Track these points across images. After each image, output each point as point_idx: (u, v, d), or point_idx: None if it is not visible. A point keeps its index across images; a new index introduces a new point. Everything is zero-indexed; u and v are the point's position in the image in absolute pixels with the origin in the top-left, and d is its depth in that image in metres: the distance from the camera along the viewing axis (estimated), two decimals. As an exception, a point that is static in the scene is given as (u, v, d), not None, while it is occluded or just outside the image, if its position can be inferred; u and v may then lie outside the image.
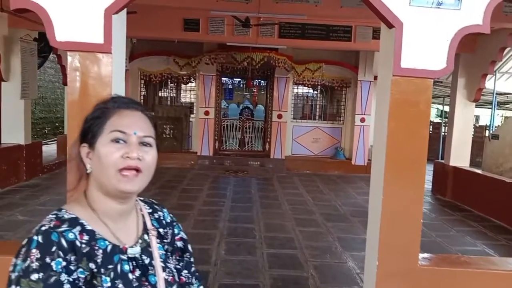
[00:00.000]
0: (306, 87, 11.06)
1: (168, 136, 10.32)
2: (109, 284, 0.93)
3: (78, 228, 0.95)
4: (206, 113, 10.25)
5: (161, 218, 1.16)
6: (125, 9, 2.46)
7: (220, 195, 7.53)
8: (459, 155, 7.77)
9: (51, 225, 0.92)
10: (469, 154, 7.87)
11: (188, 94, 11.23)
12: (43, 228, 0.91)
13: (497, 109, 11.87)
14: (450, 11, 2.35)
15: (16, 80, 7.26)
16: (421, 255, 2.63)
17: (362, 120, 10.40)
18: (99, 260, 0.94)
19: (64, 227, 0.93)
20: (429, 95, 2.43)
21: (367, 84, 10.31)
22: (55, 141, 11.18)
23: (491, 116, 11.07)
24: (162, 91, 11.30)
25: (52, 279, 0.86)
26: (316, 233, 5.53)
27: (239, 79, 11.46)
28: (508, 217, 6.31)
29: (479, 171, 7.79)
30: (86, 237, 0.95)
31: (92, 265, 0.93)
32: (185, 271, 1.14)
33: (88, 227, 0.96)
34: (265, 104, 11.02)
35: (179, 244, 1.16)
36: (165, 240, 1.12)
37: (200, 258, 4.29)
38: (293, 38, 8.02)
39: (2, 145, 7.38)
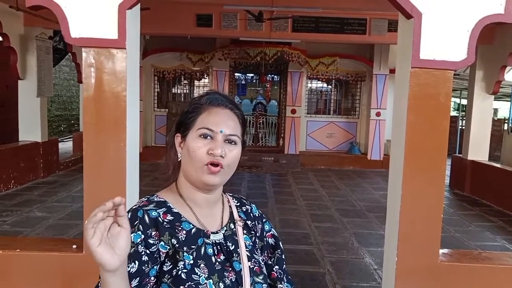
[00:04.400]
0: (320, 82, 10.96)
1: (182, 132, 10.31)
2: (191, 262, 0.99)
3: (164, 209, 1.03)
4: (220, 109, 10.22)
5: (249, 211, 1.20)
6: (139, 5, 2.45)
7: (235, 191, 7.35)
8: (478, 149, 7.61)
9: (140, 205, 1.03)
10: (488, 147, 7.71)
11: (202, 90, 11.23)
12: (133, 207, 1.02)
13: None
14: (471, 0, 2.28)
15: (32, 78, 7.33)
16: (441, 251, 2.57)
17: (378, 114, 10.27)
18: (181, 237, 1.00)
19: (151, 206, 1.02)
20: (449, 87, 2.36)
21: (382, 77, 10.18)
22: (71, 138, 11.31)
23: (510, 109, 10.84)
24: (176, 87, 11.32)
25: (132, 250, 0.92)
26: (332, 229, 5.48)
27: (252, 75, 11.41)
28: (529, 212, 6.17)
29: (498, 165, 7.64)
30: (170, 217, 1.02)
31: (174, 241, 0.99)
32: (277, 267, 1.17)
33: (175, 210, 1.04)
34: (279, 99, 10.96)
35: (270, 241, 1.20)
36: (252, 232, 1.15)
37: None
38: (307, 32, 7.94)
39: (20, 142, 7.48)
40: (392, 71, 10.04)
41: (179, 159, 1.08)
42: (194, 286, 0.96)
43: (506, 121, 12.02)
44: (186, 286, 0.95)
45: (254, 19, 6.94)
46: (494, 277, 2.61)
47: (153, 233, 0.97)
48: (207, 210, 1.09)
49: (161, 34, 8.96)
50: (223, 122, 1.04)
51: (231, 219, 1.13)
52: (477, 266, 2.61)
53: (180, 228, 1.01)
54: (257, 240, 1.15)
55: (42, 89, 7.51)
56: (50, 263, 2.56)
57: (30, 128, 7.55)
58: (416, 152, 2.40)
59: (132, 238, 0.93)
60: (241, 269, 1.04)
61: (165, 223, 1.00)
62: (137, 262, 0.94)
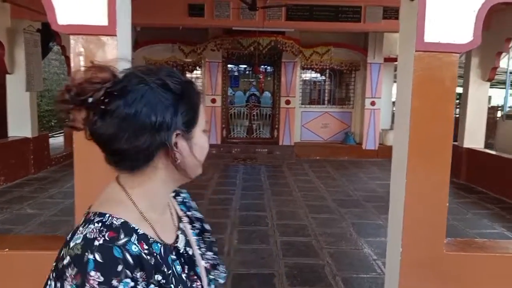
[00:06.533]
0: (314, 72, 10.84)
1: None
2: None
3: (135, 236, 0.78)
4: (213, 101, 10.11)
5: (185, 200, 1.05)
6: (129, -10, 2.33)
7: (230, 184, 7.43)
8: (473, 136, 7.58)
9: (106, 238, 0.74)
10: (484, 135, 7.68)
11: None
12: (96, 243, 0.72)
13: (510, 88, 11.59)
14: (477, -20, 2.19)
15: (20, 72, 7.15)
16: (445, 241, 2.51)
17: (372, 103, 10.20)
18: (165, 270, 0.80)
19: (122, 237, 0.75)
20: (454, 71, 2.29)
21: (377, 66, 10.09)
22: (62, 134, 11.14)
23: (505, 96, 10.84)
24: (168, 79, 11.15)
25: None
26: (330, 220, 5.42)
27: (245, 66, 11.28)
28: (526, 199, 6.15)
29: (494, 152, 7.62)
30: (145, 246, 0.78)
31: (158, 277, 0.78)
32: (210, 253, 1.00)
33: (140, 232, 0.79)
34: (273, 90, 10.85)
35: (198, 225, 1.04)
36: (195, 225, 1.01)
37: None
38: (301, 20, 7.82)
39: (9, 138, 7.32)
40: (387, 59, 9.98)
41: (177, 162, 0.82)
42: None
43: (500, 108, 12.02)
44: None
45: (247, 8, 6.81)
46: (500, 266, 2.56)
47: (138, 274, 0.74)
48: (162, 216, 0.89)
49: (152, 25, 8.76)
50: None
51: (179, 217, 0.97)
52: (482, 255, 2.55)
53: (155, 255, 0.80)
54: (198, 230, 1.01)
55: (32, 83, 7.34)
56: (42, 263, 2.44)
57: (20, 123, 7.38)
58: (421, 139, 2.33)
59: None
60: (199, 272, 0.91)
61: (148, 257, 0.77)
62: None
